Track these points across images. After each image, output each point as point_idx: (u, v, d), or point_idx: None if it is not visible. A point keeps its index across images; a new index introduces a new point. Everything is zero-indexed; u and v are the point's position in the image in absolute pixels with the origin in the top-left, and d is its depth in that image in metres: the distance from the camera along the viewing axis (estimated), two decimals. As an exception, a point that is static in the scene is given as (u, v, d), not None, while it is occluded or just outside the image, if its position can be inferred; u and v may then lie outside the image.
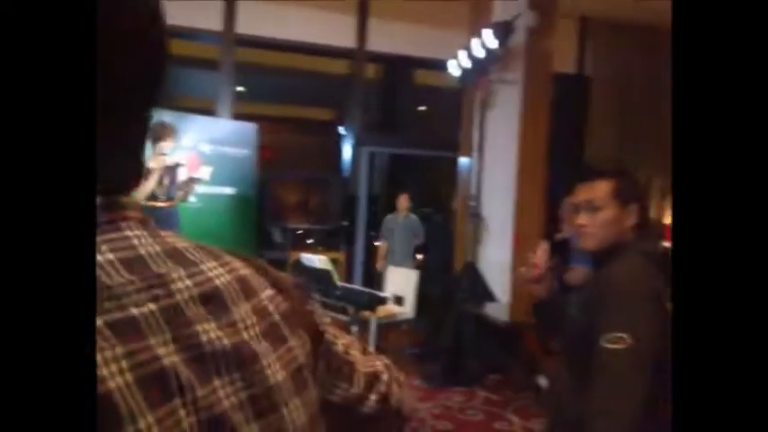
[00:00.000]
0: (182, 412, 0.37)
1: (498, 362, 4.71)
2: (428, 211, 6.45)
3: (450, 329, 4.82)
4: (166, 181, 4.01)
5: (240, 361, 0.42)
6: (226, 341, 0.41)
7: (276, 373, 0.44)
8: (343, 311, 4.72)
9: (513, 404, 4.13)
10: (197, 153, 5.09)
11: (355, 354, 0.60)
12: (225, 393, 0.40)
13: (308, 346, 0.49)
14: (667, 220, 7.05)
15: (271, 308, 0.47)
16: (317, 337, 0.52)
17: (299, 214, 6.24)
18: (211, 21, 5.73)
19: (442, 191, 6.72)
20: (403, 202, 5.92)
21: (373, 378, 0.61)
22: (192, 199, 4.50)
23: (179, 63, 5.92)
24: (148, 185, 3.78)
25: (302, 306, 0.51)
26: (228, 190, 5.48)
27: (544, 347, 4.11)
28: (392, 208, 6.11)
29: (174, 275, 0.41)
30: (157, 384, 0.36)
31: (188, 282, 0.42)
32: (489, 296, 4.93)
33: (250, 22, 5.78)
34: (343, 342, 0.58)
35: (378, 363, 0.63)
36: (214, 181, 4.75)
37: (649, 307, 1.35)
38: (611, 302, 1.36)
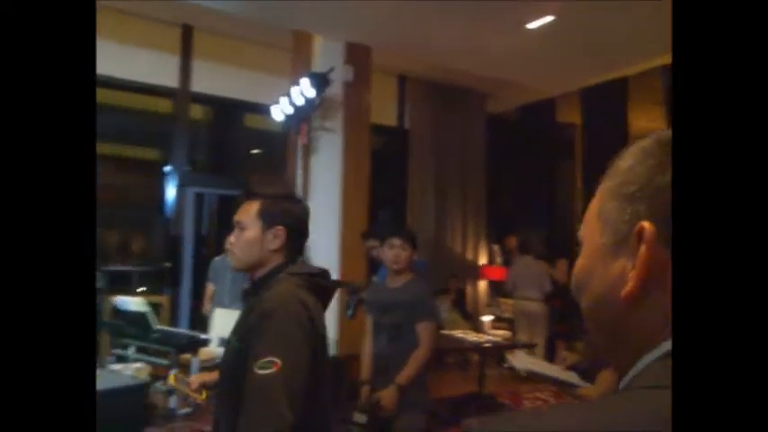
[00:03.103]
0: None
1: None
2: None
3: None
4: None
5: None
6: None
7: None
8: (165, 355, 4.56)
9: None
10: None
11: None
12: None
13: None
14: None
15: None
16: None
17: (121, 256, 5.95)
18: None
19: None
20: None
21: None
22: None
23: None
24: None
25: None
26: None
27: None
28: (222, 249, 6.05)
29: None
30: None
31: None
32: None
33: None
34: None
35: None
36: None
37: (298, 331, 1.34)
38: (262, 328, 1.33)
